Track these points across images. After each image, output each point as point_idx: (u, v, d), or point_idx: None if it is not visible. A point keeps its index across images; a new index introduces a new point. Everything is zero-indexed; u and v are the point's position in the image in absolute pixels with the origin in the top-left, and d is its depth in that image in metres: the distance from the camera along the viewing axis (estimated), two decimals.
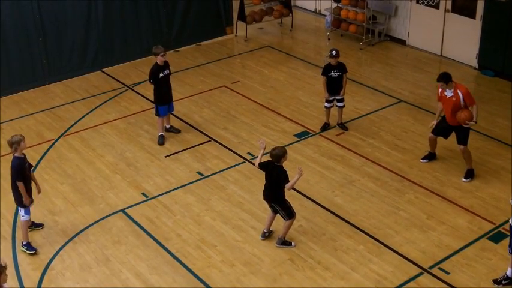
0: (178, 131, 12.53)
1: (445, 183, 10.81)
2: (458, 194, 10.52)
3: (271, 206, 9.42)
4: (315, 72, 14.86)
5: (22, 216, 9.35)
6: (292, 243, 9.43)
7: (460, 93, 10.42)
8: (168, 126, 12.54)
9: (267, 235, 9.63)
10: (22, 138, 9.09)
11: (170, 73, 12.09)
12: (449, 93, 10.53)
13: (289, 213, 9.23)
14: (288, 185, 9.03)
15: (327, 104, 12.37)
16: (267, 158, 9.21)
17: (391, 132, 12.42)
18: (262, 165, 9.24)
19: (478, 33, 14.67)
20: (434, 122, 10.97)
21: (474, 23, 14.79)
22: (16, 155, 9.08)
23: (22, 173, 9.10)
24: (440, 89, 10.64)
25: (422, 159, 11.42)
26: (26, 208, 9.31)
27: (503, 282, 8.65)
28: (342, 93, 12.18)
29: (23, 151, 9.19)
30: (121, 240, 9.69)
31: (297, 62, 15.78)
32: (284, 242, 9.40)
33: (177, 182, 11.03)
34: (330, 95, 12.23)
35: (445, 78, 10.41)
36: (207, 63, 15.81)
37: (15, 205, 10.37)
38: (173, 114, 12.77)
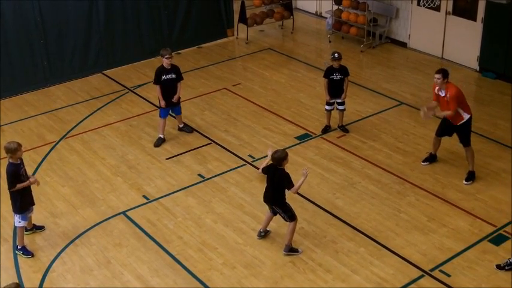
0: (190, 131, 12.55)
1: (446, 186, 10.81)
2: (459, 197, 10.52)
3: (271, 208, 9.42)
4: (316, 74, 14.87)
5: (19, 222, 9.30)
6: (300, 250, 9.39)
7: (448, 94, 10.43)
8: (181, 126, 12.59)
9: (263, 235, 9.63)
10: (18, 147, 9.00)
11: (179, 79, 12.02)
12: (442, 93, 10.55)
13: (290, 216, 9.21)
14: (293, 189, 9.03)
15: (327, 107, 12.38)
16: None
17: (392, 134, 12.43)
18: (264, 170, 9.27)
19: (479, 35, 14.68)
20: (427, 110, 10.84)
21: (475, 25, 14.80)
22: (11, 161, 9.04)
23: (17, 178, 9.06)
24: (436, 88, 10.63)
25: (423, 161, 11.41)
26: (23, 214, 9.28)
27: (506, 268, 8.71)
28: (343, 96, 12.18)
29: (19, 157, 9.13)
30: (122, 242, 9.69)
31: (298, 64, 15.79)
32: (292, 249, 9.35)
33: (178, 184, 11.04)
34: (331, 98, 12.23)
35: (444, 72, 10.43)
36: (208, 65, 15.83)
37: None
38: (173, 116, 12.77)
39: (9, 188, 9.09)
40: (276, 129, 12.69)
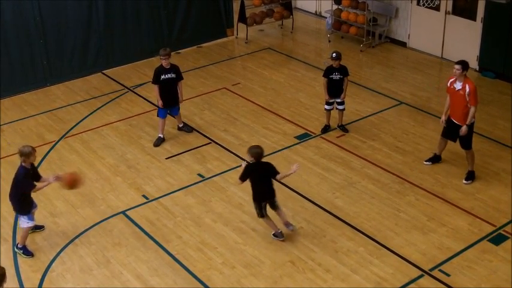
0: (190, 130, 12.56)
1: (446, 185, 10.81)
2: (458, 196, 10.52)
3: (270, 203, 9.39)
4: (315, 74, 14.87)
5: (27, 222, 9.20)
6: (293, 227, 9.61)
7: (467, 88, 10.35)
8: (180, 125, 12.60)
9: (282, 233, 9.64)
10: (32, 152, 8.97)
11: (179, 78, 12.02)
12: (458, 86, 10.45)
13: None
14: (280, 176, 9.19)
15: (327, 107, 12.38)
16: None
17: (391, 134, 12.43)
18: (245, 175, 9.22)
19: (479, 35, 14.68)
20: (443, 117, 10.87)
21: (475, 25, 14.80)
22: (23, 164, 8.98)
23: (23, 183, 8.97)
24: (451, 80, 10.59)
25: (426, 161, 11.38)
26: (29, 214, 9.20)
27: None
28: (342, 96, 12.18)
29: (32, 162, 9.07)
30: (121, 242, 9.69)
31: (298, 64, 15.79)
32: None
33: (177, 184, 11.03)
34: (330, 97, 12.24)
35: (464, 63, 10.34)
36: (208, 65, 15.83)
37: None
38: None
39: (14, 188, 8.98)
40: (275, 129, 12.69)
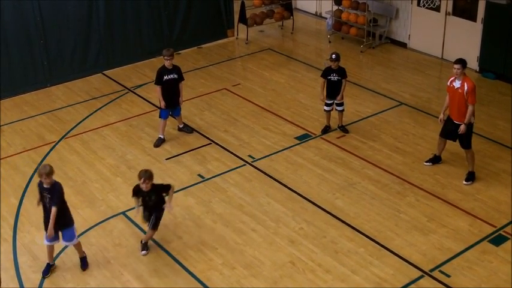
0: (190, 131, 12.57)
1: (446, 186, 10.81)
2: (459, 197, 10.52)
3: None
4: (315, 74, 14.86)
5: (44, 239, 8.92)
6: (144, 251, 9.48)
7: (466, 86, 10.36)
8: (181, 126, 12.62)
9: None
10: (39, 172, 8.53)
11: (180, 79, 12.04)
12: (457, 84, 10.47)
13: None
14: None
15: (326, 108, 12.38)
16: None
17: (392, 135, 12.43)
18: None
19: (479, 35, 14.68)
20: (441, 116, 10.89)
21: (475, 26, 14.81)
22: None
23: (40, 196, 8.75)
24: (451, 79, 10.60)
25: (426, 162, 11.38)
26: (46, 234, 8.79)
27: None
28: (339, 98, 12.16)
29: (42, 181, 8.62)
30: (122, 242, 9.69)
31: (298, 65, 15.80)
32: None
33: (177, 185, 11.01)
34: (329, 99, 12.24)
35: (463, 62, 10.35)
36: (208, 65, 15.83)
37: (15, 207, 10.46)
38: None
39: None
40: (275, 130, 12.69)
